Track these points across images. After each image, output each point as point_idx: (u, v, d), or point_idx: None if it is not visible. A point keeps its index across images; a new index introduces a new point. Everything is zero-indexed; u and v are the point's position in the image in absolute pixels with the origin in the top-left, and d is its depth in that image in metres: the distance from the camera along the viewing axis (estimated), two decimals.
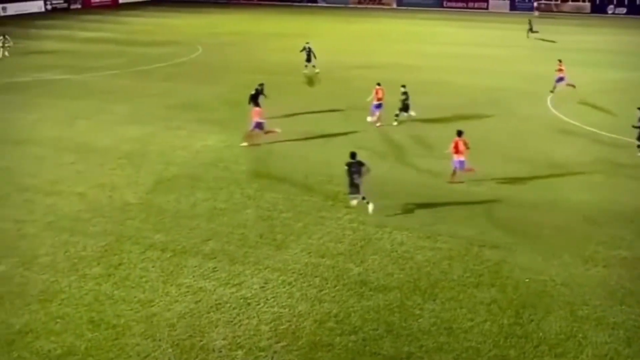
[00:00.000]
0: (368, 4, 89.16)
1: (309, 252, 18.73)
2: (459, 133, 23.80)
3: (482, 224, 20.57)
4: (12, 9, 77.29)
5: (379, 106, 31.44)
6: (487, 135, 29.65)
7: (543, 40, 58.47)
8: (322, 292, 16.70)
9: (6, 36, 51.88)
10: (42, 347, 14.55)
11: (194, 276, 17.44)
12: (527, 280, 17.30)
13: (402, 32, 63.37)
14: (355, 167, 21.01)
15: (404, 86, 31.27)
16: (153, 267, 17.91)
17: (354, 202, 21.43)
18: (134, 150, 27.77)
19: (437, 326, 15.33)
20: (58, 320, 15.51)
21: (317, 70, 43.36)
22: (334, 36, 61.15)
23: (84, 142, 28.78)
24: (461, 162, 23.60)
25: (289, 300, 16.36)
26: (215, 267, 17.87)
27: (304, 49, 43.51)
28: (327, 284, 17.10)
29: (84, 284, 17.05)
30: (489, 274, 17.64)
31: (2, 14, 75.82)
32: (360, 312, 15.86)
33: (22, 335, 14.96)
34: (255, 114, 28.21)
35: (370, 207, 21.20)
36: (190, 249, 18.93)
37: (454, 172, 23.86)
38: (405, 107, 31.13)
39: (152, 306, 16.07)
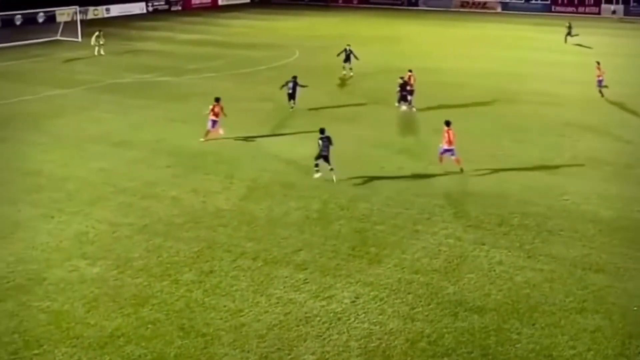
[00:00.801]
0: (471, 7, 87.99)
1: (403, 268, 18.57)
2: (447, 123, 26.06)
3: (587, 245, 19.88)
4: (116, 10, 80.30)
5: (410, 92, 35.33)
6: (607, 153, 28.70)
7: (580, 45, 57.17)
8: (415, 310, 16.51)
9: (101, 33, 54.01)
10: (133, 352, 14.97)
11: (284, 287, 17.58)
12: (635, 308, 16.60)
13: (506, 38, 62.16)
14: (325, 141, 25.01)
15: (402, 77, 35.32)
16: (244, 276, 18.16)
17: (317, 175, 25.06)
18: (228, 155, 28.29)
19: (535, 353, 14.89)
20: (149, 325, 15.94)
21: (351, 74, 44.15)
22: (434, 41, 60.59)
23: (180, 146, 29.54)
24: (449, 150, 25.81)
25: (380, 316, 16.26)
26: (306, 279, 17.96)
27: (344, 50, 44.42)
28: (420, 301, 16.91)
29: (176, 290, 17.46)
30: (594, 299, 17.01)
31: (106, 15, 78.87)
32: (454, 333, 15.59)
33: (113, 339, 15.45)
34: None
35: (334, 176, 24.71)
36: (281, 258, 19.10)
37: (441, 158, 26.28)
38: (403, 97, 35.01)
39: (242, 316, 16.29)
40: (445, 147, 25.99)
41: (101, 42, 53.59)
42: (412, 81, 35.62)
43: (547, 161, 27.55)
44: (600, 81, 38.20)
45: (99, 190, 24.32)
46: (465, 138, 30.33)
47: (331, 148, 25.18)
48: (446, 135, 25.92)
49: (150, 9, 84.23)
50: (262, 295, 17.17)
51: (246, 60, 50.16)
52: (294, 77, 35.76)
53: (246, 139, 30.43)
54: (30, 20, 66.30)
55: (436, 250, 19.62)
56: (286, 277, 18.07)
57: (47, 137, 31.03)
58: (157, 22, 75.04)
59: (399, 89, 35.31)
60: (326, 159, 25.19)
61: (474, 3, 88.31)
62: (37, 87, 41.44)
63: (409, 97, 35.32)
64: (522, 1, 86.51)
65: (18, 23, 65.80)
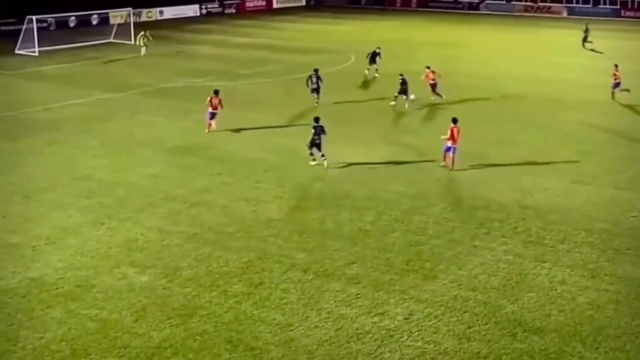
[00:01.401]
0: (535, 12, 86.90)
1: (459, 284, 18.39)
2: (454, 121, 27.37)
3: None
4: (169, 12, 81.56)
5: (433, 87, 38.33)
6: None
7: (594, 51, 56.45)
8: (471, 330, 16.32)
9: (147, 33, 55.12)
10: None
11: (335, 301, 17.56)
12: None
13: (571, 44, 61.14)
14: (318, 130, 27.41)
15: (401, 74, 37.73)
16: (294, 288, 18.20)
17: (313, 163, 27.67)
18: (281, 162, 28.45)
19: None
20: (197, 337, 16.08)
21: (377, 75, 45.70)
22: (493, 46, 59.99)
23: (232, 152, 29.82)
24: (451, 148, 27.10)
25: (435, 335, 16.11)
26: (358, 293, 17.91)
27: (374, 52, 46.00)
28: (477, 320, 16.70)
29: (225, 301, 17.59)
30: None
31: (159, 17, 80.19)
32: (512, 354, 15.36)
33: (161, 350, 15.62)
34: None
35: (326, 163, 27.29)
36: (333, 272, 19.09)
37: (445, 156, 27.46)
38: (403, 91, 37.16)
39: (291, 330, 16.32)
40: (449, 144, 27.23)
41: (146, 43, 55.02)
42: (430, 78, 38.17)
43: (614, 175, 27.01)
44: (617, 84, 38.91)
45: (149, 197, 24.68)
46: (525, 150, 30.02)
47: (323, 137, 27.48)
48: (450, 132, 27.14)
49: (204, 11, 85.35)
50: (312, 310, 17.17)
51: (300, 66, 50.33)
52: (316, 70, 37.85)
53: (298, 147, 30.50)
54: (83, 22, 67.75)
55: (494, 266, 19.37)
56: (337, 291, 18.05)
57: (98, 141, 31.65)
58: (211, 25, 75.99)
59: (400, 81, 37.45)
60: (319, 147, 27.63)
61: (538, 7, 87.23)
62: (88, 90, 42.33)
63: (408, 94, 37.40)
64: (590, 5, 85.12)
65: (72, 25, 67.28)
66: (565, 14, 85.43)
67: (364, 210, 23.34)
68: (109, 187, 25.75)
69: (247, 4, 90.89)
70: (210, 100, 32.32)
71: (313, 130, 27.60)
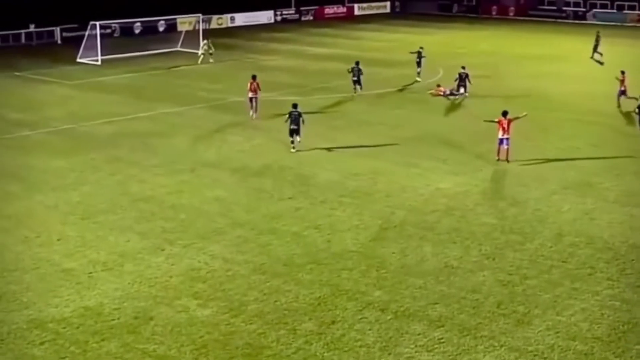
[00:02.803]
0: None
1: (557, 332, 18.01)
2: (504, 113, 31.01)
3: None
4: (241, 19, 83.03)
5: (463, 86, 44.56)
6: None
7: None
8: None
9: (209, 42, 57.32)
10: None
11: (416, 346, 17.42)
12: None
13: None
14: (294, 116, 32.37)
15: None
16: (370, 329, 18.14)
17: (294, 150, 32.45)
18: (359, 187, 28.50)
19: None
20: None
21: (418, 79, 50.27)
22: (606, 61, 58.93)
23: (305, 175, 30.06)
24: (504, 140, 30.86)
25: None
26: (441, 338, 17.73)
27: (417, 53, 51.00)
28: None
29: (293, 341, 17.65)
30: None
31: (230, 24, 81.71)
32: None
33: None
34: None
35: (295, 148, 32.69)
36: (414, 312, 18.96)
37: (499, 150, 31.21)
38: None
39: None
40: (501, 136, 30.87)
41: (209, 51, 57.18)
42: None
43: None
44: (622, 92, 40.96)
45: (214, 222, 25.03)
46: (636, 182, 29.35)
47: (302, 126, 32.47)
48: (499, 124, 30.86)
49: (279, 18, 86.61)
50: (390, 354, 17.08)
51: (381, 80, 50.54)
52: (357, 63, 45.36)
53: (379, 170, 30.52)
54: (150, 29, 69.61)
55: (598, 313, 18.91)
56: (419, 334, 17.91)
57: (160, 158, 32.36)
58: (285, 33, 77.04)
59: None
60: (297, 132, 32.61)
61: None
62: (152, 103, 43.40)
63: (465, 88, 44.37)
64: None
65: (137, 32, 69.20)
66: None
67: (450, 245, 23.14)
68: (170, 209, 26.24)
69: (326, 11, 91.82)
70: (250, 85, 38.69)
71: (288, 117, 32.52)
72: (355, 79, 45.03)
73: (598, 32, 61.37)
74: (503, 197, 27.62)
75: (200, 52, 57.62)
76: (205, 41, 57.92)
